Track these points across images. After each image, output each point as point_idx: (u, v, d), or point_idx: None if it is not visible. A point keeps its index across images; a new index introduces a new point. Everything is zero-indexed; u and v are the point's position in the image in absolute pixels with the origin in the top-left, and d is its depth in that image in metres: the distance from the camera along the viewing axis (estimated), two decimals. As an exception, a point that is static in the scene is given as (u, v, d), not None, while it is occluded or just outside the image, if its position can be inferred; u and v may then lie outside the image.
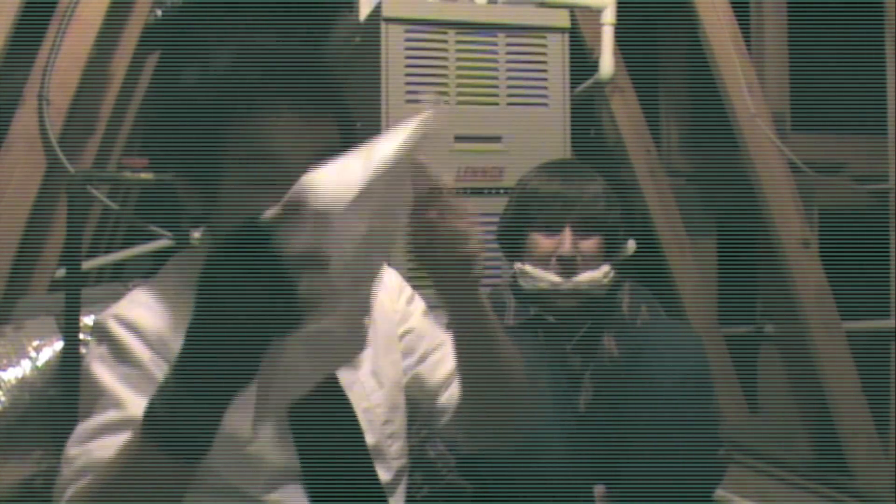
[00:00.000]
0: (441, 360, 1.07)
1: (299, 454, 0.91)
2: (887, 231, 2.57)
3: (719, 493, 2.04)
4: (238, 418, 0.71)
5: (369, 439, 0.96)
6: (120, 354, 0.87)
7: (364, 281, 0.73)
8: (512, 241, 1.48)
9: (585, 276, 1.39)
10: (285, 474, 0.90)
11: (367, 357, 0.99)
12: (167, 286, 0.93)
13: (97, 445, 0.81)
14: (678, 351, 1.27)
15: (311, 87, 0.84)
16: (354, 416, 0.95)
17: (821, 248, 2.58)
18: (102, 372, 0.86)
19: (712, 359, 2.84)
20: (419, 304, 1.11)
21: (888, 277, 2.56)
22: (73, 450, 0.83)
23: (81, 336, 1.89)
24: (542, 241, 1.40)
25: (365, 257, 0.70)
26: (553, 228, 1.40)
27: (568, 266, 1.39)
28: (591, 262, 1.40)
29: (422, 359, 1.06)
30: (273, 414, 0.73)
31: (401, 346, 1.05)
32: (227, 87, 0.82)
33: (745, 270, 3.02)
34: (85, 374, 0.88)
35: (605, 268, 1.42)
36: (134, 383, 0.85)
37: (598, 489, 1.33)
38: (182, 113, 0.86)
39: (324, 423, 0.93)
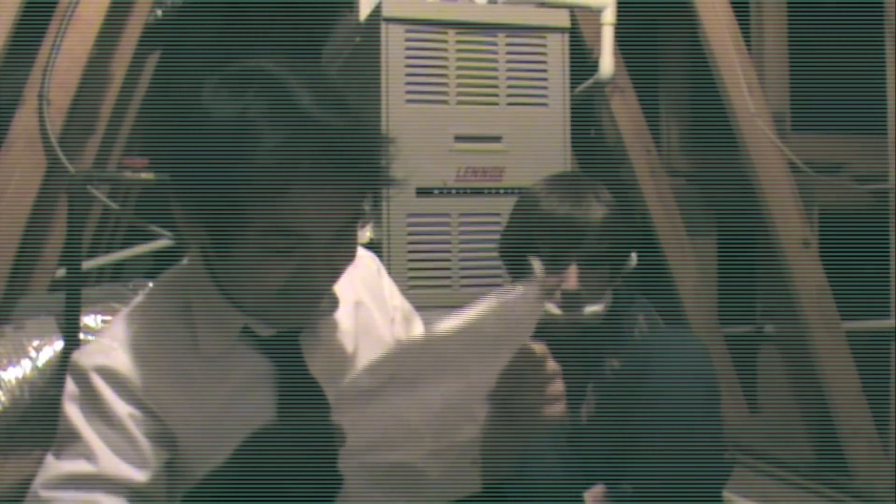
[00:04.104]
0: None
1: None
2: (887, 231, 2.57)
3: (720, 493, 2.04)
4: None
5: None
6: (96, 408, 0.84)
7: (449, 433, 0.76)
8: (514, 261, 1.44)
9: (588, 311, 1.37)
10: None
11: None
12: (155, 321, 0.90)
13: (67, 498, 0.81)
14: (684, 360, 1.25)
15: (350, 169, 0.80)
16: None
17: (821, 248, 2.58)
18: (76, 416, 0.84)
19: (712, 359, 2.86)
20: (395, 289, 1.09)
21: (888, 277, 2.55)
22: (43, 492, 0.82)
23: (81, 336, 1.89)
24: (546, 278, 1.37)
25: (445, 416, 0.75)
26: (558, 268, 1.36)
27: (572, 301, 1.36)
28: (596, 293, 1.37)
29: None
30: None
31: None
32: (268, 165, 0.76)
33: (745, 270, 3.02)
34: (61, 409, 0.86)
35: (608, 299, 1.39)
36: (108, 439, 0.83)
37: (599, 488, 1.32)
38: (209, 160, 0.79)
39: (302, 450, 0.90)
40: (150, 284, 0.96)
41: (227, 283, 0.89)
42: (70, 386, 0.86)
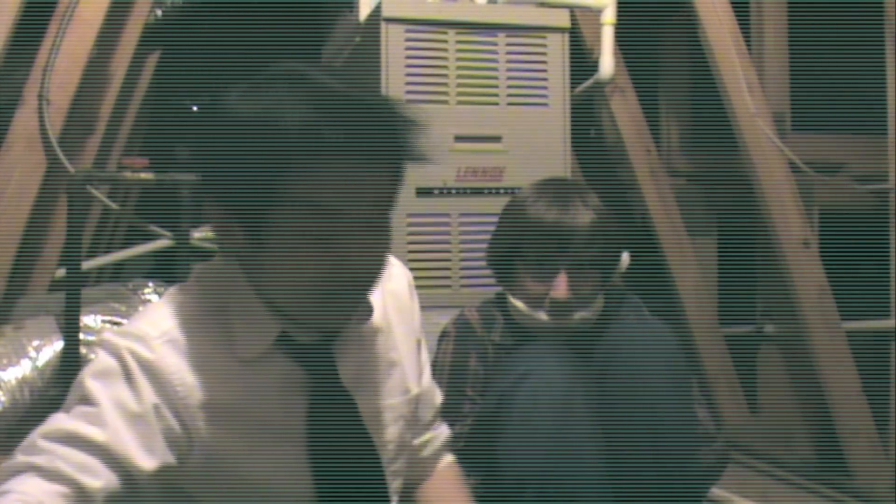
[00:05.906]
0: (427, 374, 1.09)
1: (315, 484, 0.90)
2: (887, 231, 2.57)
3: (720, 493, 2.04)
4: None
5: None
6: (123, 385, 0.82)
7: None
8: (503, 269, 1.42)
9: (578, 316, 1.36)
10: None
11: (389, 385, 0.99)
12: (193, 318, 0.88)
13: (64, 453, 0.78)
14: (644, 345, 1.24)
15: (379, 139, 0.81)
16: (375, 450, 0.94)
17: (821, 248, 2.58)
18: (99, 387, 0.82)
19: (712, 359, 2.87)
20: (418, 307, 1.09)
21: (888, 277, 2.55)
22: (42, 441, 0.80)
23: (81, 336, 1.89)
24: (535, 285, 1.36)
25: None
26: (547, 275, 1.35)
27: (561, 309, 1.34)
28: (586, 299, 1.36)
29: (422, 376, 1.07)
30: None
31: (416, 366, 1.05)
32: (298, 136, 0.78)
33: (745, 270, 3.02)
34: (80, 381, 0.84)
35: (598, 304, 1.39)
36: (126, 417, 0.81)
37: None
38: (237, 149, 0.81)
39: (342, 453, 0.92)
40: (193, 275, 0.95)
41: (266, 283, 0.87)
42: (102, 358, 0.84)
